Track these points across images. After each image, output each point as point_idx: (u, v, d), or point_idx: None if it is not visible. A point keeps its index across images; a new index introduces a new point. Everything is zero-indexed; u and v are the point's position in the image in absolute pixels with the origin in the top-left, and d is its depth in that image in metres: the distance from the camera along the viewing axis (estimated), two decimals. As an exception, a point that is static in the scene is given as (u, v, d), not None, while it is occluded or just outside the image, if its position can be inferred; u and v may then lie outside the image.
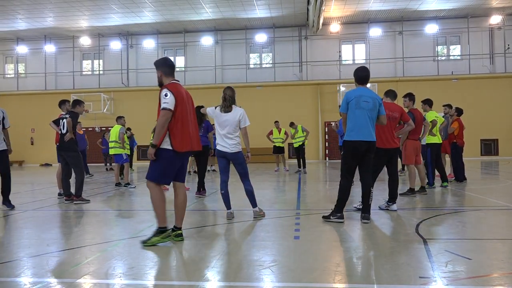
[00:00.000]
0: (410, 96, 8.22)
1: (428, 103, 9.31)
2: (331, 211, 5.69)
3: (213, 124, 6.29)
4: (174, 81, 4.64)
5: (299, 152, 14.74)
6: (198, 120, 8.28)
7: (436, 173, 9.71)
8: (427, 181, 9.08)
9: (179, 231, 4.67)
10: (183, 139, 4.47)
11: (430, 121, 9.07)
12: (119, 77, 25.34)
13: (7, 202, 7.29)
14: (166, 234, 4.51)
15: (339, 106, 6.38)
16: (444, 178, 9.37)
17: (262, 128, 18.75)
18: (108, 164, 18.66)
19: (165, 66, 4.70)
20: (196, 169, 9.16)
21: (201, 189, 8.57)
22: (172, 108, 4.38)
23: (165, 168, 4.50)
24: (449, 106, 10.75)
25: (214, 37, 24.67)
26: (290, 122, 15.26)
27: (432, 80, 22.84)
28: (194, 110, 4.81)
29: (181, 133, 4.46)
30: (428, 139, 9.24)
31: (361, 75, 5.68)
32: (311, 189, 9.97)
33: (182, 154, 4.54)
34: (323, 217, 5.73)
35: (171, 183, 4.72)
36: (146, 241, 4.49)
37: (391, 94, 7.02)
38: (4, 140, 7.30)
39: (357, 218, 5.76)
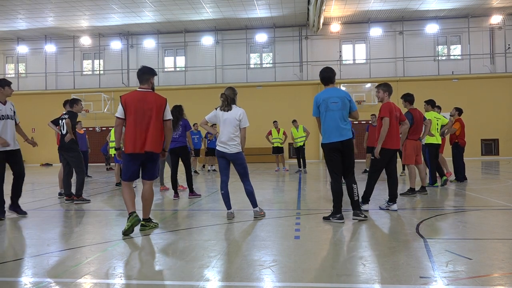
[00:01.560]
0: (405, 97, 8.24)
1: (430, 103, 9.50)
2: (331, 212, 5.70)
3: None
4: (137, 89, 5.25)
5: (299, 152, 14.74)
6: (174, 119, 8.32)
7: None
8: (427, 181, 9.08)
9: (143, 222, 5.29)
10: (127, 142, 5.05)
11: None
12: (119, 77, 25.35)
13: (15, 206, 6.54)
14: (131, 218, 5.03)
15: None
16: (434, 179, 9.37)
17: (262, 128, 18.76)
18: (108, 164, 18.67)
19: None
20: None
21: (193, 190, 8.56)
22: (119, 116, 5.11)
23: (124, 166, 5.26)
24: (438, 107, 10.68)
25: (214, 37, 24.67)
26: (292, 120, 15.26)
27: (433, 80, 22.84)
28: (154, 113, 5.07)
29: (126, 137, 5.07)
30: (426, 139, 9.28)
31: (325, 75, 5.81)
32: (311, 189, 9.97)
33: (131, 155, 5.07)
34: (324, 218, 5.75)
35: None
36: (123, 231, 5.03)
37: (383, 86, 6.67)
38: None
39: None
